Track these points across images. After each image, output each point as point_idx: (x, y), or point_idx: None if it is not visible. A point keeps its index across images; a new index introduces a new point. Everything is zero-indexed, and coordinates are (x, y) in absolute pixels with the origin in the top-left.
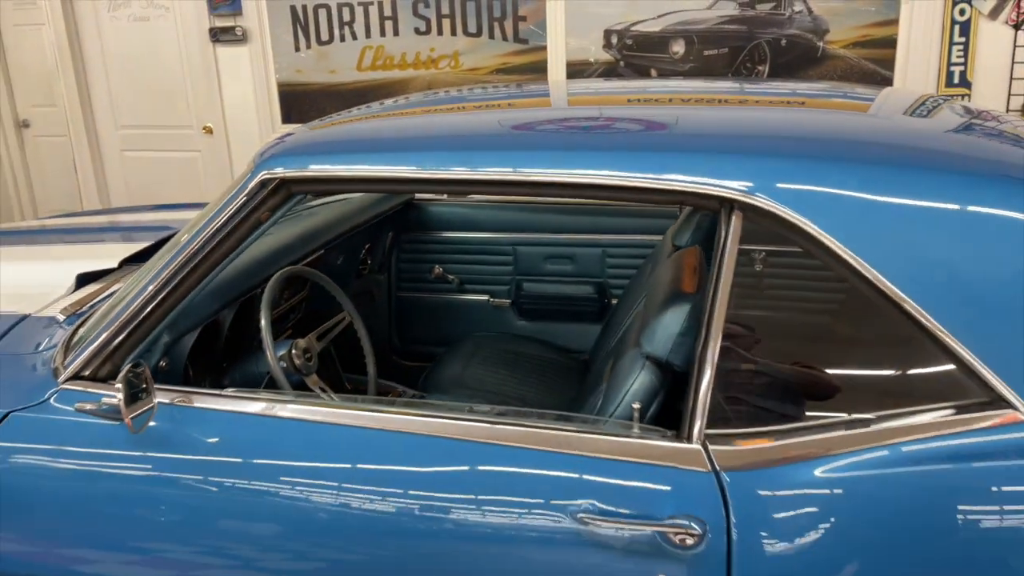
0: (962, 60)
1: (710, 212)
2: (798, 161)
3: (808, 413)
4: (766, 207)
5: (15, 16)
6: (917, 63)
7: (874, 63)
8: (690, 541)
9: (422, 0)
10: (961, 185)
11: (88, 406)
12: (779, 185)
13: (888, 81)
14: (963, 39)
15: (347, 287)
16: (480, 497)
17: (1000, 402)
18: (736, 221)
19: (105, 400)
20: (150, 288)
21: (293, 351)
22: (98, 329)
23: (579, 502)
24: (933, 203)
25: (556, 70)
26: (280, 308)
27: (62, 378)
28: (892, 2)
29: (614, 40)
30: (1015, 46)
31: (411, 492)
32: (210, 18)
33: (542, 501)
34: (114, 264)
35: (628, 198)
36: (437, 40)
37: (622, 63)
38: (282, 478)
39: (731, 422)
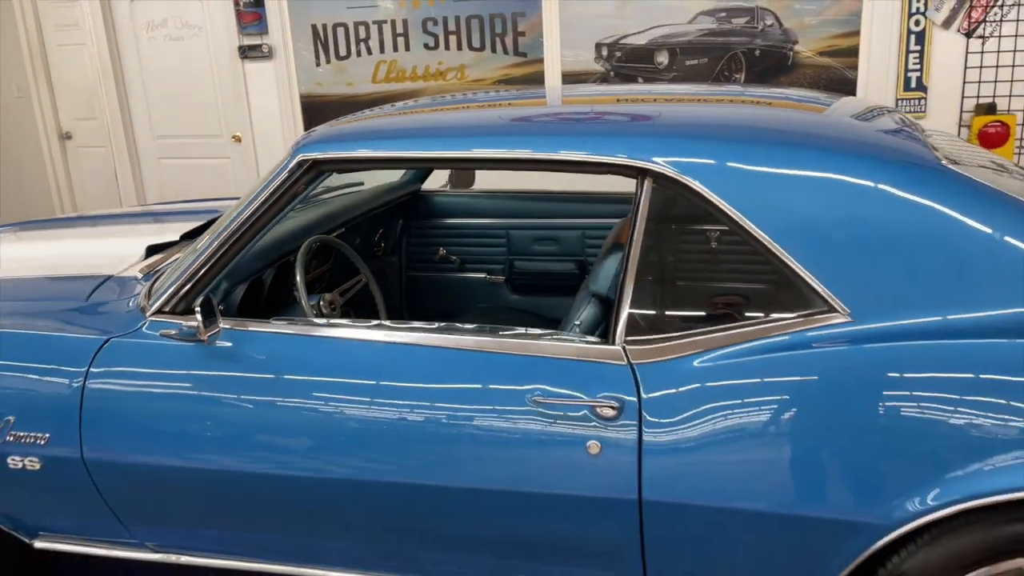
0: (918, 66)
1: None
2: (692, 141)
3: (696, 322)
4: (669, 174)
5: (58, 37)
6: (878, 70)
7: (839, 70)
8: (611, 412)
9: (430, 19)
10: (808, 157)
11: (171, 332)
12: (678, 159)
13: (852, 84)
14: (919, 47)
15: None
16: (464, 386)
17: (829, 309)
18: (648, 185)
19: (184, 326)
20: (213, 245)
21: (321, 302)
22: (172, 278)
23: (533, 387)
24: (788, 170)
25: (552, 80)
26: (310, 274)
27: (148, 313)
28: (854, 15)
29: (604, 52)
30: (967, 52)
31: (410, 387)
32: (239, 36)
33: (507, 388)
34: (175, 238)
35: (575, 170)
36: (445, 54)
37: (612, 73)
38: (314, 379)
39: (642, 330)
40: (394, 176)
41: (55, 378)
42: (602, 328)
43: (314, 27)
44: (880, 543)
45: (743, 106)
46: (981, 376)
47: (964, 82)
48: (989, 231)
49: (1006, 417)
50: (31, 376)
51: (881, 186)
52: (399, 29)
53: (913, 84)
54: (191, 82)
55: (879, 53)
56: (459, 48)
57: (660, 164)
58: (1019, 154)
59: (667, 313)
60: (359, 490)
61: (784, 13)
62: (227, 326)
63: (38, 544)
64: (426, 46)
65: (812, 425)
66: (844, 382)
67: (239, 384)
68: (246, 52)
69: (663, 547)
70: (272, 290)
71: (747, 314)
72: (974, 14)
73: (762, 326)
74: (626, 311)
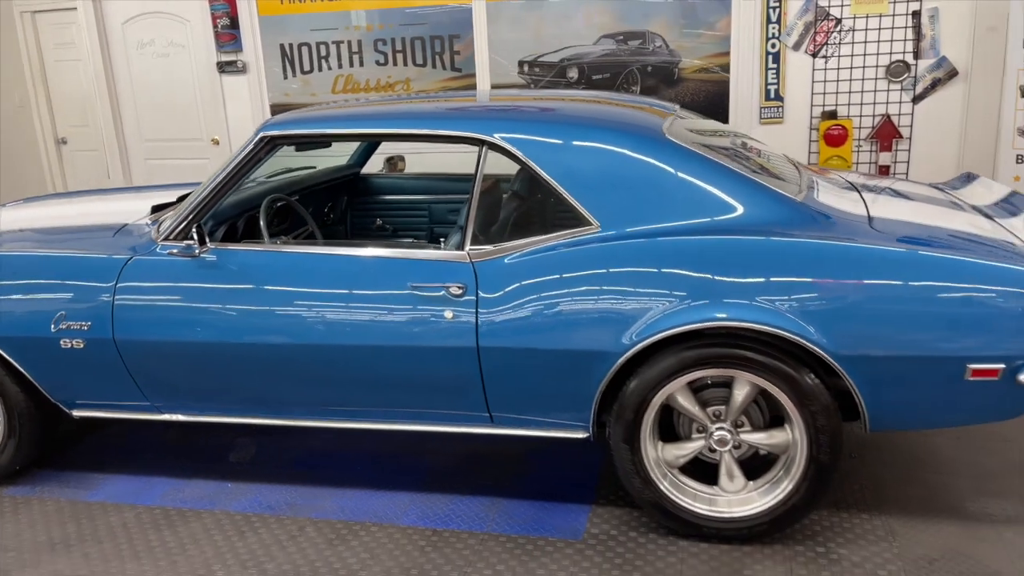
0: (776, 81)
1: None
2: (515, 122)
3: (509, 236)
4: (498, 143)
5: (57, 53)
6: (744, 83)
7: (714, 84)
8: (459, 292)
9: (381, 39)
10: (581, 132)
11: (174, 251)
12: (507, 135)
13: (725, 95)
14: (775, 65)
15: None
16: (370, 279)
17: (587, 223)
18: (485, 151)
19: (183, 247)
20: (203, 192)
21: (279, 241)
22: (175, 217)
23: (411, 280)
24: (568, 140)
25: (483, 90)
26: (273, 227)
27: (159, 239)
28: (725, 38)
29: (526, 68)
30: (813, 69)
31: (335, 280)
32: (217, 54)
33: (396, 279)
34: (174, 199)
35: (441, 141)
36: (393, 69)
37: (531, 85)
38: (270, 278)
39: (479, 242)
40: (340, 160)
41: (95, 283)
42: (459, 243)
43: (282, 46)
44: (619, 362)
45: (569, 102)
46: (671, 257)
47: (812, 93)
48: (683, 176)
49: (684, 277)
50: (77, 283)
51: (618, 148)
52: (354, 48)
53: (772, 95)
54: (175, 93)
55: (745, 70)
56: (405, 64)
57: (494, 137)
58: (857, 151)
59: (491, 232)
60: (300, 351)
61: (670, 36)
62: (213, 247)
63: (76, 413)
64: (377, 62)
65: (576, 291)
66: (593, 265)
67: (221, 283)
68: (223, 67)
69: (495, 379)
70: (245, 235)
71: (540, 229)
72: (818, 38)
73: (547, 236)
74: (470, 232)
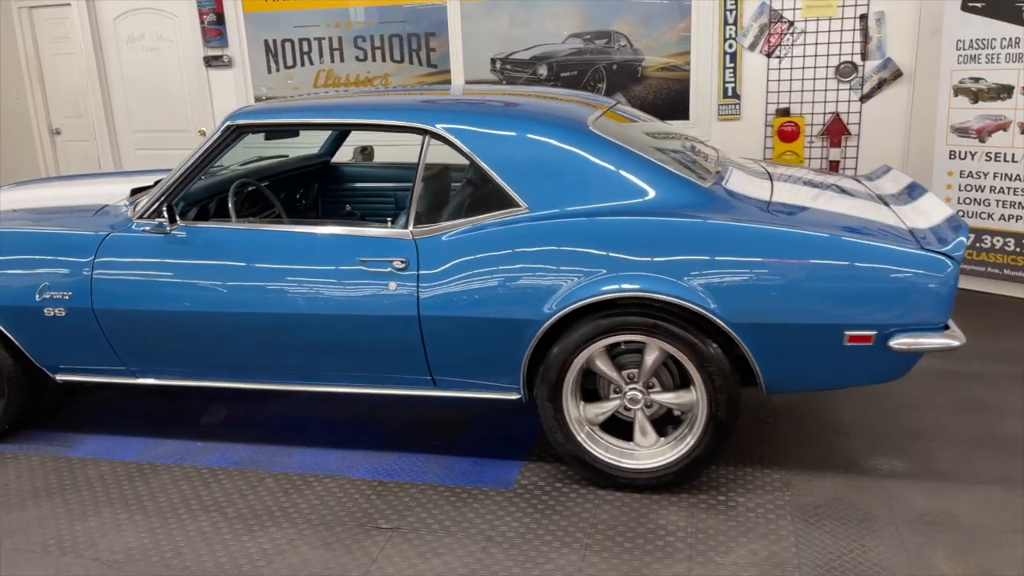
0: (733, 79)
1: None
2: (456, 114)
3: (446, 216)
4: (440, 133)
5: (52, 47)
6: (703, 81)
7: (675, 82)
8: (402, 266)
9: (360, 36)
10: (512, 123)
11: (147, 228)
12: (448, 125)
13: (686, 92)
14: (732, 64)
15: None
16: (323, 255)
17: (516, 205)
18: (426, 140)
19: (157, 223)
20: (176, 175)
21: (248, 219)
22: (149, 197)
23: (360, 255)
24: (500, 131)
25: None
26: (244, 211)
27: (134, 218)
28: (685, 38)
29: (498, 66)
30: (768, 68)
31: (292, 256)
32: (204, 48)
33: (345, 255)
34: (151, 183)
35: (390, 130)
36: (372, 65)
37: (503, 82)
38: (232, 253)
39: (420, 221)
40: (312, 149)
41: (76, 257)
42: (404, 222)
43: (266, 41)
44: (543, 329)
45: (511, 96)
46: (588, 236)
47: (767, 91)
48: (602, 163)
49: (599, 253)
50: (60, 257)
51: (545, 138)
52: (335, 44)
53: (730, 93)
54: (164, 86)
55: (704, 68)
56: (383, 60)
57: (436, 127)
58: (810, 147)
59: (433, 212)
60: (260, 319)
61: (634, 36)
62: (182, 224)
63: (59, 377)
64: (357, 58)
65: (504, 266)
66: (520, 243)
67: (188, 257)
68: (210, 61)
69: (434, 345)
70: (217, 215)
71: (475, 210)
72: (772, 39)
73: (481, 216)
74: (413, 212)
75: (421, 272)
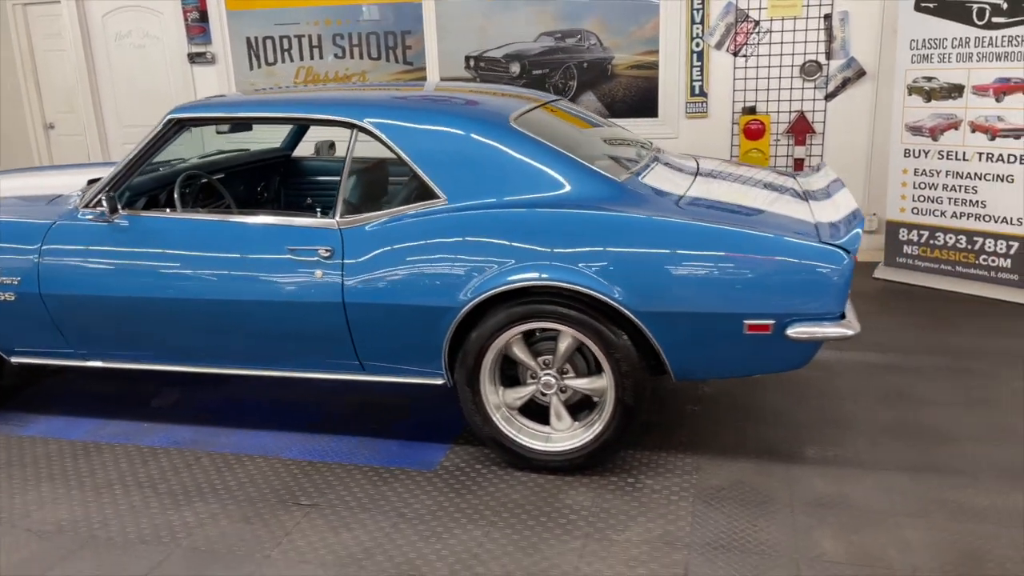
0: (700, 77)
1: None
2: (382, 108)
3: (371, 207)
4: (367, 127)
5: (45, 44)
6: (671, 79)
7: (644, 80)
8: (328, 254)
9: (339, 34)
10: (433, 118)
11: (90, 216)
12: (375, 120)
13: (655, 90)
14: (699, 63)
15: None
16: (256, 243)
17: (435, 196)
18: (354, 134)
19: (99, 212)
20: (118, 168)
21: (191, 210)
22: (94, 188)
23: (289, 244)
24: (422, 125)
25: (432, 82)
26: (200, 203)
27: (80, 207)
28: (654, 37)
29: (472, 63)
30: (735, 67)
31: (227, 244)
32: (188, 46)
33: (276, 244)
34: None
35: (321, 124)
36: (350, 62)
37: (477, 79)
38: (171, 242)
39: (347, 212)
40: (274, 143)
41: (24, 244)
42: (331, 212)
43: (248, 39)
44: (459, 316)
45: (439, 92)
46: (501, 227)
47: (734, 90)
48: (519, 157)
49: (511, 244)
50: (10, 244)
51: (464, 132)
52: (315, 42)
53: (697, 91)
54: (150, 81)
55: (671, 67)
56: (361, 58)
57: (363, 122)
58: (776, 145)
59: (359, 203)
60: (196, 305)
61: (604, 34)
62: (124, 213)
63: (14, 360)
64: (336, 55)
65: (423, 255)
66: (438, 233)
67: (128, 245)
68: (194, 58)
69: (359, 331)
70: (168, 206)
71: (398, 201)
72: (739, 38)
73: (403, 207)
74: (340, 203)
75: (346, 261)
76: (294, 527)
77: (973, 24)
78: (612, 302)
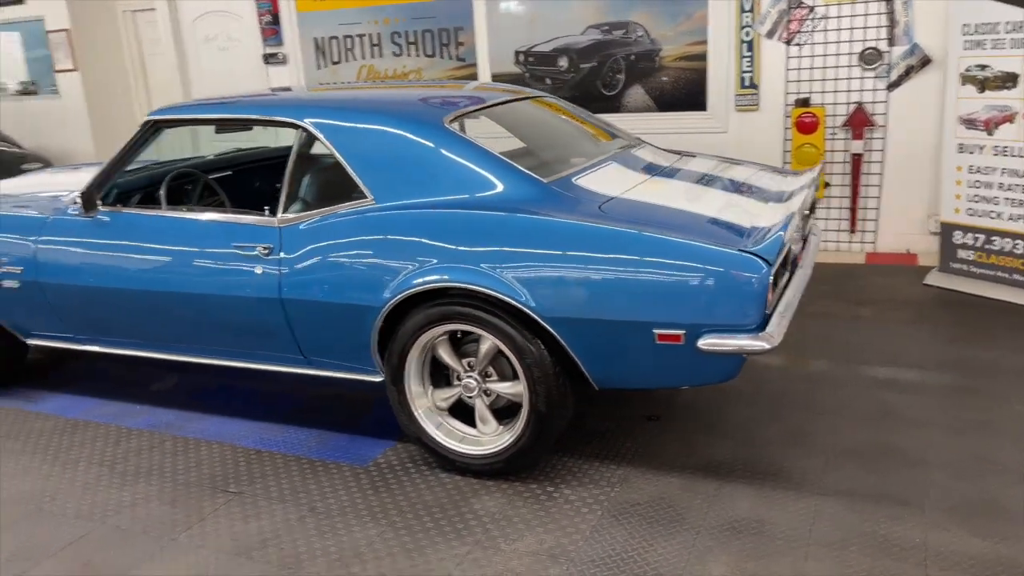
0: (750, 68)
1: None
2: (322, 109)
3: (308, 206)
4: (307, 127)
5: (151, 48)
6: (720, 71)
7: (692, 72)
8: (267, 251)
9: (396, 32)
10: (370, 118)
11: (74, 212)
12: (313, 120)
13: (703, 82)
14: (750, 53)
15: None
16: (207, 238)
17: (364, 196)
18: (298, 133)
19: (82, 209)
20: (101, 169)
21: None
22: (82, 188)
23: (234, 241)
24: (358, 124)
25: (484, 79)
26: (205, 200)
27: (70, 204)
28: (702, 28)
29: (521, 58)
30: (787, 57)
31: (186, 238)
32: (263, 47)
33: (223, 240)
34: None
35: (269, 124)
36: (407, 60)
37: (527, 74)
38: (147, 235)
39: (286, 211)
40: (271, 144)
41: (26, 237)
42: (273, 210)
43: (315, 39)
44: (382, 314)
45: (383, 90)
46: (420, 228)
47: (786, 81)
48: (448, 158)
49: (429, 244)
50: (14, 236)
51: (394, 132)
52: (375, 40)
53: (747, 83)
54: (232, 78)
55: (720, 58)
56: (417, 55)
57: (304, 122)
58: (832, 138)
59: (299, 201)
60: (155, 296)
61: (651, 26)
62: (104, 210)
63: (31, 341)
64: (394, 53)
65: (349, 253)
66: (362, 232)
67: (104, 238)
68: (268, 59)
69: (298, 326)
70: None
71: (333, 200)
72: (792, 26)
73: (335, 206)
74: (282, 201)
75: (283, 257)
76: (211, 513)
77: None
78: (520, 305)
